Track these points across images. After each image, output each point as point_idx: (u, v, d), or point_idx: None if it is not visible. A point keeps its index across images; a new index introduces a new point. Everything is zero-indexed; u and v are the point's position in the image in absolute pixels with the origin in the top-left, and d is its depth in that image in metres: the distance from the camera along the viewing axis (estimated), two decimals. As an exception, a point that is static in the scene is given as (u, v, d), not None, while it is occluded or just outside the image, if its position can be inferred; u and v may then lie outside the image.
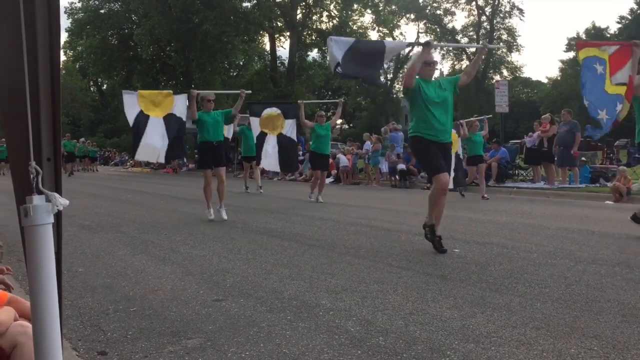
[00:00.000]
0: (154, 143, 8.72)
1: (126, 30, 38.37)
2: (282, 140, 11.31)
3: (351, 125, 64.09)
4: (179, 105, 8.98)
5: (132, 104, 8.69)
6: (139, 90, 9.57)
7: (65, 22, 39.22)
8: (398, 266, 5.59)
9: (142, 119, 8.65)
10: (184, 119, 9.15)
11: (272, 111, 11.39)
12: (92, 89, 63.28)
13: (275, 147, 11.24)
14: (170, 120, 8.84)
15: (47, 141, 1.59)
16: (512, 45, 47.38)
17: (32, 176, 1.49)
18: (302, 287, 4.82)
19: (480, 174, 13.36)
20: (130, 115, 8.70)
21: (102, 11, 38.34)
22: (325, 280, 5.02)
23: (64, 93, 56.88)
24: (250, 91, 8.78)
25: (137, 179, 22.69)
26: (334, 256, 6.13)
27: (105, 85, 54.71)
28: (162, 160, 9.13)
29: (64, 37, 54.37)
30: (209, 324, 3.87)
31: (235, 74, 41.08)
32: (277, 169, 11.83)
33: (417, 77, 6.14)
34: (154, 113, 8.66)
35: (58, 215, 1.61)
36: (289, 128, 11.40)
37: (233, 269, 5.58)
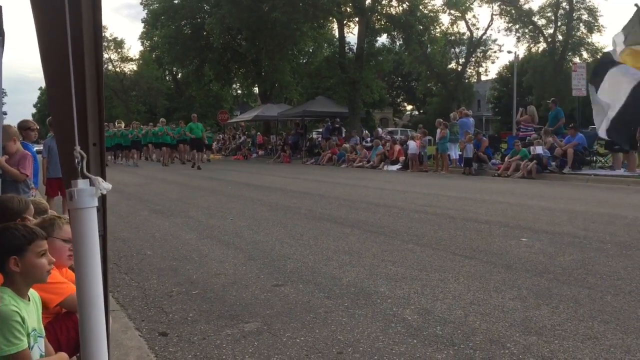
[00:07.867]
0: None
1: (199, 20, 39.17)
2: None
3: (421, 111, 63.11)
4: None
5: None
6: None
7: (141, 13, 40.56)
8: (461, 254, 5.45)
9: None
10: None
11: None
12: (167, 77, 65.15)
13: None
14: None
15: (93, 127, 1.62)
16: (593, 26, 45.17)
17: (77, 160, 1.53)
18: (362, 274, 4.79)
19: None
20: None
21: (175, 1, 39.31)
22: (385, 268, 4.97)
23: (141, 82, 59.44)
24: None
25: (208, 165, 23.24)
26: (396, 243, 6.06)
27: (180, 74, 56.11)
28: (602, 135, 6.03)
29: (140, 27, 56.27)
30: (266, 308, 3.91)
31: (304, 61, 41.21)
32: None
33: None
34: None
35: (103, 199, 1.65)
36: None
37: (294, 254, 5.61)
